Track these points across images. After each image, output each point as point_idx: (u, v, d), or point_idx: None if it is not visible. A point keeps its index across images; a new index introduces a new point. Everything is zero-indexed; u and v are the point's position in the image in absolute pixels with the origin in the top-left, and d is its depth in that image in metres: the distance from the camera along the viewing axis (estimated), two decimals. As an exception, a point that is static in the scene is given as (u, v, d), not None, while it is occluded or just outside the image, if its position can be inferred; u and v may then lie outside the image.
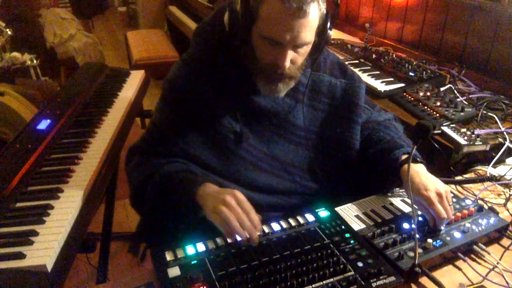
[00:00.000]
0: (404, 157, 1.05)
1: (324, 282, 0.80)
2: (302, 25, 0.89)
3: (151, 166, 1.03)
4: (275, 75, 0.97)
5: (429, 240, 0.90)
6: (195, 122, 1.03)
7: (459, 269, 0.90)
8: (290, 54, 0.93)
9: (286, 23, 0.88)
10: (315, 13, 0.90)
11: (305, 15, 0.88)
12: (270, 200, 1.06)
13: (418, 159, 1.05)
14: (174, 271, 0.83)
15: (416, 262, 0.83)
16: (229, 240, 0.90)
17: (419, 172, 1.00)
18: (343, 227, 0.96)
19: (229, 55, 1.02)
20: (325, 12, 0.94)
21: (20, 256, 0.93)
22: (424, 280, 0.85)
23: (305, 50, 0.97)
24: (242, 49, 0.98)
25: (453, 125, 1.42)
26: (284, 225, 0.96)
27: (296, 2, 0.86)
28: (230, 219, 0.83)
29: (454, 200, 1.05)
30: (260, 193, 1.05)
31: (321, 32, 0.96)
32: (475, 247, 0.93)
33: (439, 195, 0.95)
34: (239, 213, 0.85)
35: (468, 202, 1.05)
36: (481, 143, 1.33)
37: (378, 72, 1.92)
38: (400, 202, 1.08)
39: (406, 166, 1.00)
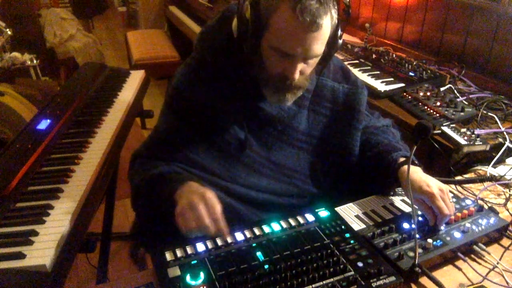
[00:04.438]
0: (402, 159, 1.05)
1: (324, 282, 0.80)
2: (315, 39, 0.86)
3: (149, 169, 1.01)
4: (284, 85, 0.95)
5: (429, 240, 0.90)
6: (199, 129, 1.02)
7: (459, 269, 0.90)
8: (300, 66, 0.91)
9: (298, 36, 0.85)
10: (327, 25, 0.87)
11: (318, 29, 0.85)
12: (271, 199, 1.06)
13: (416, 162, 1.05)
14: (174, 271, 0.82)
15: (416, 262, 0.83)
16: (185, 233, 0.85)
17: (418, 172, 1.01)
18: (343, 227, 0.95)
19: (235, 61, 1.00)
20: (336, 22, 0.91)
21: (20, 256, 0.93)
22: (424, 280, 0.85)
23: (315, 61, 0.95)
24: (251, 58, 0.96)
25: (453, 125, 1.42)
26: (284, 225, 0.96)
27: (309, 15, 0.82)
28: (190, 227, 0.81)
29: (454, 200, 1.05)
30: (261, 193, 1.05)
31: (332, 41, 0.93)
32: (475, 247, 0.93)
33: (441, 191, 0.95)
34: (203, 222, 0.81)
35: (468, 202, 1.05)
36: (481, 143, 1.33)
37: (378, 72, 1.92)
38: (400, 202, 1.08)
39: (404, 167, 1.00)
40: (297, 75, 0.92)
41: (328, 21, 0.87)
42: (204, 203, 0.83)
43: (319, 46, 0.89)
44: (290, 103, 1.01)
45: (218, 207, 0.84)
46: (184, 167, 1.02)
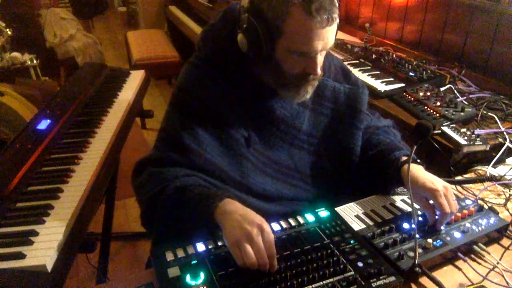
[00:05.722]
0: (404, 158, 1.05)
1: (324, 282, 0.80)
2: (331, 31, 0.89)
3: (165, 178, 0.95)
4: (305, 81, 0.96)
5: (429, 240, 0.90)
6: (207, 127, 1.01)
7: (459, 269, 0.90)
8: (321, 60, 0.94)
9: (317, 34, 0.87)
10: (337, 13, 0.89)
11: (334, 21, 0.88)
12: (277, 208, 1.05)
13: (418, 161, 1.05)
14: (174, 271, 0.82)
15: (416, 262, 0.83)
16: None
17: (422, 170, 1.01)
18: (343, 227, 0.95)
19: (238, 60, 1.00)
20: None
21: (20, 256, 0.93)
22: (424, 280, 0.85)
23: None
24: (263, 65, 0.96)
25: (453, 125, 1.42)
26: (284, 225, 0.96)
27: (325, 13, 0.84)
28: (252, 262, 0.78)
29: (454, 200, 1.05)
30: (268, 202, 1.05)
31: None
32: (475, 247, 0.93)
33: (446, 188, 0.95)
34: (263, 257, 0.79)
35: (468, 202, 1.05)
36: (481, 143, 1.33)
37: (378, 72, 1.92)
38: (400, 202, 1.08)
39: (406, 166, 1.00)
40: (320, 70, 0.94)
41: (337, 11, 0.89)
42: (263, 237, 0.81)
43: (334, 36, 0.92)
44: (310, 94, 1.01)
45: (273, 242, 0.82)
46: (203, 177, 0.98)
